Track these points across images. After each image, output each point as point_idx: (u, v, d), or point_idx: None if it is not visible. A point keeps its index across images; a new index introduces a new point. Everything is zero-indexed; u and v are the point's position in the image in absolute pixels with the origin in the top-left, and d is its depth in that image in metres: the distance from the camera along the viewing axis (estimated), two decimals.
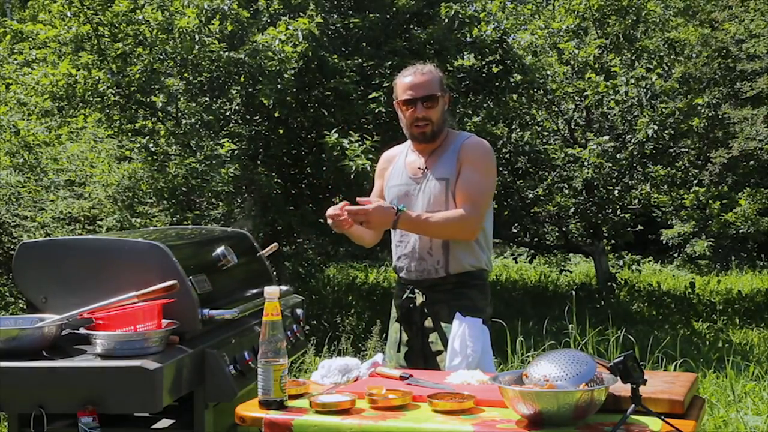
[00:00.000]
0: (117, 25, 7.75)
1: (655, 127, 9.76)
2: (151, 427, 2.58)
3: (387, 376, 2.23)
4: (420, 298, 2.75)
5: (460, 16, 8.16)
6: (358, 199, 2.60)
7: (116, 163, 7.59)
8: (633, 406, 1.77)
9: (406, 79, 2.74)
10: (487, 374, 2.20)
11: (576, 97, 10.92)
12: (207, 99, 7.81)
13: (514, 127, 10.82)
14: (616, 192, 10.91)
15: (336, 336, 6.25)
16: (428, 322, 2.73)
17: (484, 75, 8.67)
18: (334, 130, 7.13)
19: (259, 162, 7.98)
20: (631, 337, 5.73)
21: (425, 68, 2.77)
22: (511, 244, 14.07)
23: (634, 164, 10.62)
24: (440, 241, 2.70)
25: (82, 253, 2.53)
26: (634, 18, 10.96)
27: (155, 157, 7.53)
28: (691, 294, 11.54)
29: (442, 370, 2.53)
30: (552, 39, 10.87)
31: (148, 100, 7.57)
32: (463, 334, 2.57)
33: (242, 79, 7.51)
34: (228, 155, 7.06)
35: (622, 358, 1.79)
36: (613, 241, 11.95)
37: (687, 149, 11.58)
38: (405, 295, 2.80)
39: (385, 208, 2.57)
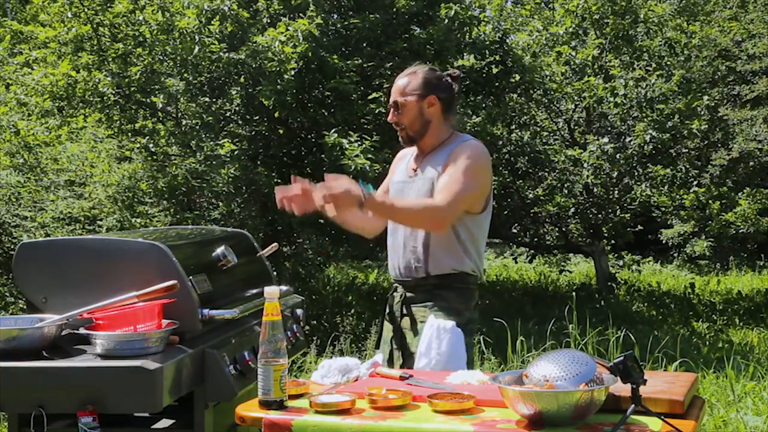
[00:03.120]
0: (117, 25, 7.75)
1: (653, 133, 9.77)
2: (151, 427, 2.58)
3: (387, 376, 2.23)
4: (400, 297, 2.74)
5: (460, 16, 8.16)
6: (326, 176, 2.47)
7: (116, 163, 7.60)
8: (633, 406, 1.77)
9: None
10: (486, 374, 2.20)
11: (575, 97, 10.92)
12: (207, 99, 7.81)
13: (513, 127, 10.81)
14: (616, 192, 10.91)
15: (336, 336, 6.24)
16: (405, 322, 2.72)
17: (484, 75, 8.67)
18: (334, 130, 7.13)
19: (259, 162, 7.98)
20: (632, 337, 5.73)
21: (409, 71, 2.74)
22: (511, 244, 14.07)
23: (634, 165, 10.62)
24: (421, 239, 2.66)
25: (82, 253, 2.52)
26: (632, 18, 10.95)
27: (155, 157, 7.53)
28: (691, 294, 11.54)
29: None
30: (551, 40, 10.87)
31: (148, 100, 7.58)
32: (431, 335, 2.54)
33: (242, 80, 7.51)
34: (228, 155, 7.06)
35: (622, 358, 1.79)
36: (613, 241, 11.94)
37: (687, 150, 11.58)
38: (389, 293, 2.82)
39: (350, 191, 2.43)
